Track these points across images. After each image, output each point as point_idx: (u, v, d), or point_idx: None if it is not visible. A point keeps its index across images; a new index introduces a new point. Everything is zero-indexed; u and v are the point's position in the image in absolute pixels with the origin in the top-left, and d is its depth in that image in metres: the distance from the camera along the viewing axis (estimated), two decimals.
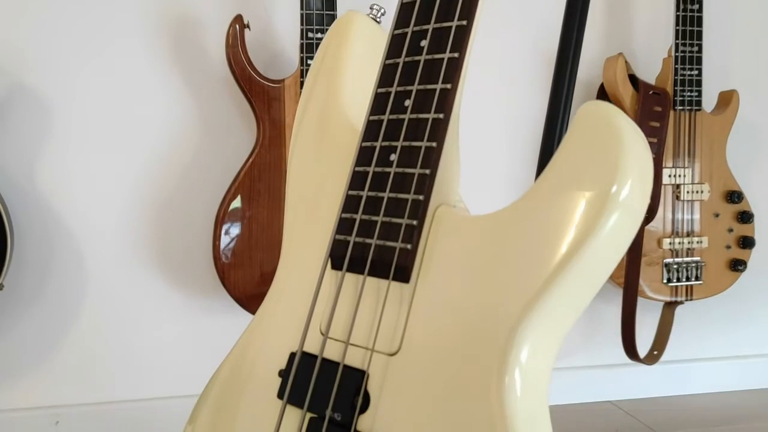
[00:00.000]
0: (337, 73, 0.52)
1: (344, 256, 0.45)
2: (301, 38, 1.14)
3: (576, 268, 0.37)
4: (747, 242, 1.36)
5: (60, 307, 1.20)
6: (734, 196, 1.35)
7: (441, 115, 0.43)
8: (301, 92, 0.56)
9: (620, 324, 1.32)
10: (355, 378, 0.42)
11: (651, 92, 1.30)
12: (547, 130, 0.60)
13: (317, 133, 0.52)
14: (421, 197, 0.42)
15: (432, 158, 0.43)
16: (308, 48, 1.14)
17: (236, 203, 1.17)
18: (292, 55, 1.25)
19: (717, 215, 1.36)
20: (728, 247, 1.36)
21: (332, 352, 0.44)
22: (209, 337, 1.25)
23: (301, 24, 1.13)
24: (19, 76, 1.16)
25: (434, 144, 0.43)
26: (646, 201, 0.41)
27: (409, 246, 0.42)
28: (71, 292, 1.21)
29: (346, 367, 0.43)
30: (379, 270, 0.43)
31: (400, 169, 0.43)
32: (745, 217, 1.36)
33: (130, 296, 1.23)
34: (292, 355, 0.46)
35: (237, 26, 1.13)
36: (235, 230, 1.17)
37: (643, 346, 1.35)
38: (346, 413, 0.41)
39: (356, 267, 0.44)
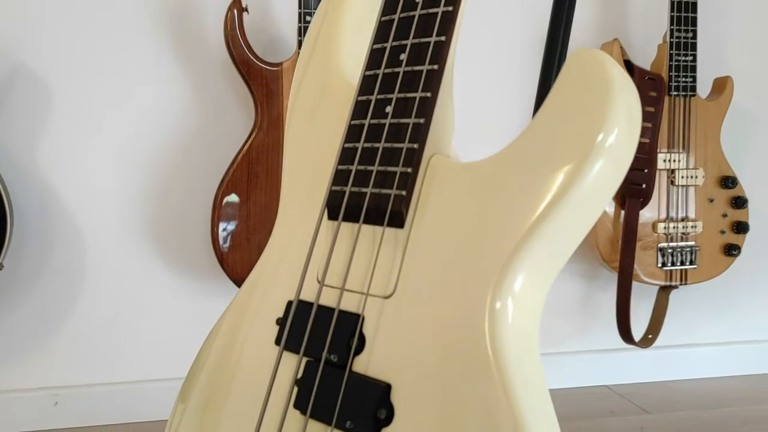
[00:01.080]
0: (335, 35, 0.53)
1: (340, 206, 0.46)
2: (299, 21, 1.15)
3: (562, 212, 0.38)
4: (741, 227, 1.37)
5: (59, 288, 1.21)
6: (728, 182, 1.36)
7: (435, 66, 0.44)
8: None
9: (615, 308, 1.33)
10: (351, 321, 0.43)
11: (646, 77, 1.31)
12: (538, 104, 0.61)
13: (316, 93, 0.53)
14: (415, 146, 0.43)
15: (427, 108, 0.44)
16: (306, 31, 1.15)
17: (234, 186, 1.18)
18: (290, 39, 1.26)
19: (711, 200, 1.37)
20: (722, 232, 1.38)
21: (328, 299, 0.45)
22: (207, 319, 1.25)
23: (299, 7, 1.14)
24: (20, 58, 1.17)
25: (429, 94, 0.44)
26: (633, 149, 0.42)
27: (403, 192, 0.43)
28: (70, 274, 1.21)
29: (341, 311, 0.44)
30: (375, 217, 0.44)
31: (395, 120, 0.45)
32: (740, 202, 1.37)
33: (129, 278, 1.23)
34: (290, 304, 0.47)
35: (235, 10, 1.14)
36: (233, 213, 1.17)
37: (637, 331, 1.36)
38: (341, 355, 0.42)
39: (352, 216, 0.45)
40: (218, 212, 1.18)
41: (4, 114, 1.17)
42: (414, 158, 0.43)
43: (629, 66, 1.32)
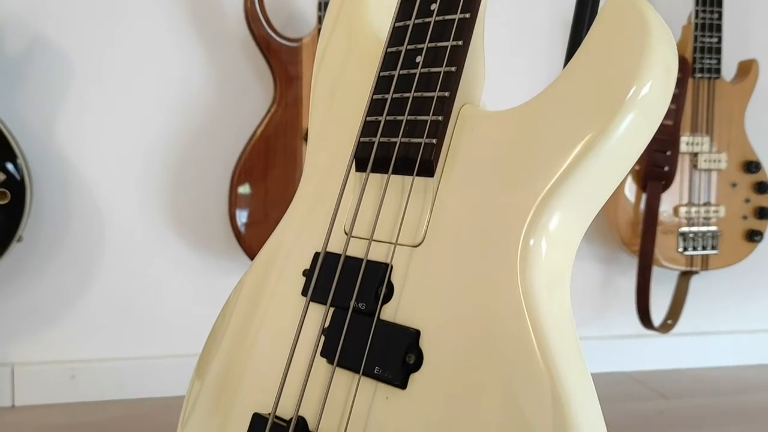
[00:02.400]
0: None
1: (368, 157, 0.45)
2: None
3: (596, 157, 0.37)
4: (764, 213, 1.35)
5: (77, 262, 1.22)
6: (752, 167, 1.35)
7: (467, 15, 0.43)
8: None
9: (635, 293, 1.32)
10: (379, 270, 0.43)
11: None
12: (570, 54, 0.60)
13: (342, 52, 0.53)
14: (446, 94, 0.42)
15: (458, 56, 0.43)
16: (326, 6, 1.14)
17: (252, 163, 1.18)
18: (309, 14, 1.25)
19: (734, 185, 1.35)
20: (745, 217, 1.36)
21: (356, 250, 0.45)
22: (224, 296, 1.25)
23: None
24: (41, 32, 1.17)
25: (460, 42, 0.43)
26: (666, 104, 0.41)
27: (434, 141, 0.42)
28: (88, 248, 1.22)
29: (369, 261, 0.43)
30: (404, 167, 0.44)
31: (425, 69, 0.44)
32: (763, 187, 1.35)
33: (146, 253, 1.24)
34: (317, 256, 0.46)
35: None
36: (250, 189, 1.17)
37: (657, 317, 1.35)
38: (369, 303, 0.42)
39: (380, 167, 0.45)
40: (235, 188, 1.18)
41: (24, 87, 1.18)
42: (445, 107, 0.42)
43: None
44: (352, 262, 0.44)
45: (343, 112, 0.50)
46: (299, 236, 0.49)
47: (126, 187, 1.22)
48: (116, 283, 1.23)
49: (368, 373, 0.41)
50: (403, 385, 0.40)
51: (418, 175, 0.43)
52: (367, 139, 0.46)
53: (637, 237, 1.31)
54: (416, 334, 0.40)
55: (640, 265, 1.30)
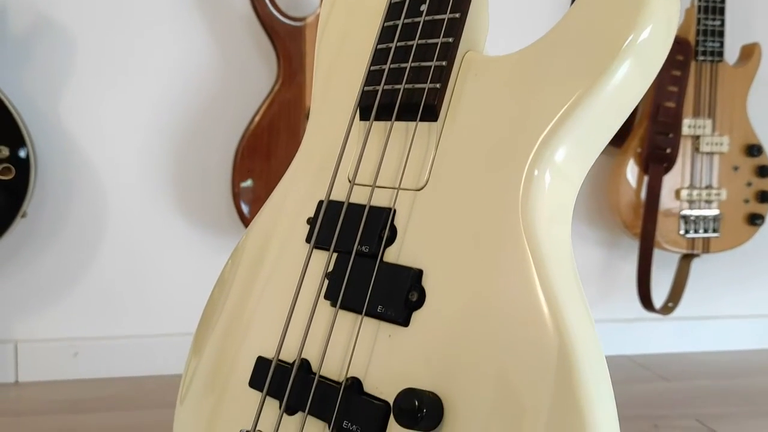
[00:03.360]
0: None
1: (372, 106, 0.45)
2: None
3: (594, 100, 0.38)
4: (765, 196, 1.35)
5: (80, 239, 1.22)
6: (754, 150, 1.35)
7: None
8: None
9: (636, 276, 1.32)
10: (382, 214, 0.43)
11: (674, 41, 1.29)
12: None
13: (347, 12, 0.53)
14: (450, 39, 0.43)
15: (462, 3, 0.43)
16: None
17: (255, 140, 1.18)
18: None
19: (736, 168, 1.35)
20: (746, 201, 1.36)
21: (359, 197, 0.45)
22: None
23: None
24: (46, 10, 1.17)
25: None
26: (665, 52, 0.41)
27: (438, 85, 0.43)
28: (92, 225, 1.22)
29: (372, 207, 0.44)
30: (407, 113, 0.44)
31: (429, 17, 0.44)
32: (765, 171, 1.35)
33: (149, 231, 1.24)
34: (321, 204, 0.47)
35: None
36: (253, 167, 1.18)
37: (657, 300, 1.35)
38: (373, 245, 0.42)
39: (384, 114, 0.45)
40: (238, 167, 1.18)
41: (30, 66, 1.18)
42: (449, 52, 0.43)
43: None
44: (356, 209, 0.44)
45: (346, 71, 0.50)
46: (303, 187, 0.50)
47: (129, 165, 1.22)
48: (119, 261, 1.24)
49: (371, 313, 0.41)
50: (405, 322, 0.40)
51: (421, 120, 0.43)
52: (371, 88, 0.46)
53: (639, 220, 1.31)
54: (419, 273, 0.40)
55: (641, 247, 1.30)
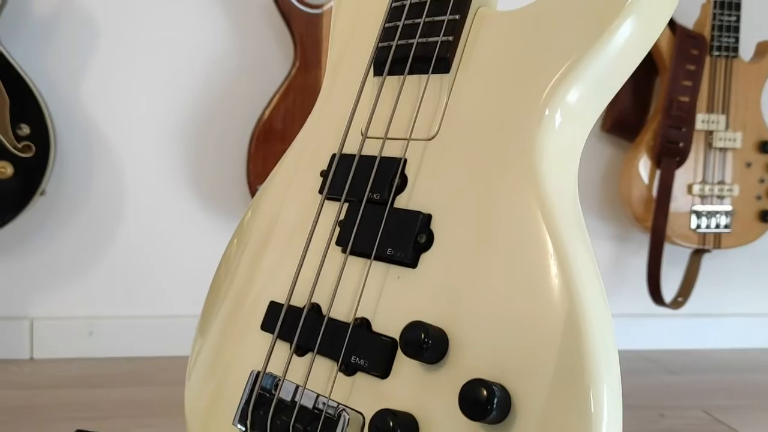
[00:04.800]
0: None
1: (386, 60, 0.47)
2: None
3: (606, 45, 0.39)
4: None
5: (97, 220, 1.24)
6: (767, 147, 1.35)
7: None
8: None
9: (646, 270, 1.32)
10: (393, 164, 0.44)
11: (688, 35, 1.30)
12: None
13: None
14: None
15: None
16: None
17: (270, 126, 1.20)
18: None
19: (749, 165, 1.35)
20: (759, 197, 1.36)
21: (372, 149, 0.46)
22: None
23: None
24: None
25: None
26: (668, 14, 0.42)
27: (450, 38, 0.44)
28: (108, 206, 1.24)
29: (384, 158, 0.45)
30: (420, 66, 0.45)
31: None
32: None
33: (164, 214, 1.26)
34: (334, 157, 0.48)
35: None
36: (268, 151, 1.19)
37: (667, 296, 1.35)
38: (383, 193, 0.44)
39: (398, 69, 0.47)
40: (253, 151, 1.20)
41: (52, 46, 1.21)
42: (462, 6, 0.44)
43: (671, 23, 1.31)
44: (367, 160, 0.46)
45: (362, 33, 0.52)
46: (317, 143, 0.51)
47: (147, 147, 1.24)
48: (134, 241, 1.26)
49: (380, 256, 0.42)
50: (414, 264, 0.41)
51: (433, 72, 0.44)
52: (385, 44, 0.47)
53: (650, 213, 1.31)
54: (428, 217, 0.42)
55: (652, 240, 1.30)
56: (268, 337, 0.46)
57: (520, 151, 0.39)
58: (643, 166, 1.33)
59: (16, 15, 1.18)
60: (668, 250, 1.35)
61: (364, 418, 0.39)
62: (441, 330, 0.38)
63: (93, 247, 1.25)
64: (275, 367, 0.45)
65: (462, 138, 0.42)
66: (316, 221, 0.46)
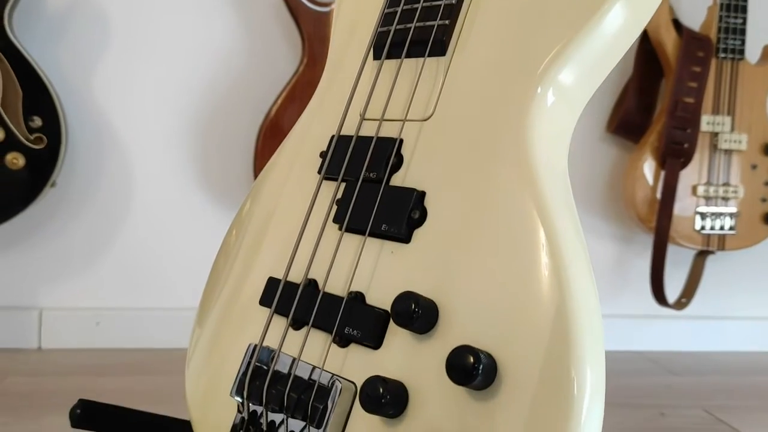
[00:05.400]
0: None
1: (385, 44, 0.48)
2: None
3: (602, 23, 0.40)
4: None
5: (106, 212, 1.26)
6: None
7: None
8: None
9: (649, 271, 1.33)
10: (389, 144, 0.46)
11: (694, 37, 1.31)
12: None
13: None
14: None
15: None
16: None
17: (277, 121, 1.21)
18: None
19: (754, 167, 1.36)
20: (764, 200, 1.36)
21: (369, 131, 0.48)
22: None
23: None
24: None
25: None
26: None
27: (447, 22, 0.45)
28: (118, 199, 1.26)
29: (380, 138, 0.46)
30: (417, 49, 0.47)
31: None
32: None
33: (173, 207, 1.28)
34: (333, 138, 0.49)
35: None
36: (275, 147, 1.20)
37: (671, 297, 1.35)
38: (380, 171, 0.45)
39: (395, 52, 0.48)
40: (260, 146, 1.22)
41: (65, 40, 1.23)
42: None
43: (677, 25, 1.32)
44: (365, 141, 0.47)
45: (363, 23, 0.53)
46: (318, 129, 0.52)
47: (156, 141, 1.26)
48: (143, 234, 1.28)
49: (375, 232, 0.44)
50: (407, 239, 0.42)
51: (430, 55, 0.46)
52: (384, 29, 0.49)
53: (654, 214, 1.32)
54: (422, 193, 0.43)
55: (655, 240, 1.31)
56: (265, 315, 0.47)
57: (511, 128, 0.40)
58: (648, 167, 1.33)
59: (31, 10, 1.20)
60: (672, 251, 1.36)
61: (356, 387, 0.41)
62: (431, 301, 0.39)
63: (102, 239, 1.27)
64: (272, 342, 0.46)
65: (456, 117, 0.43)
66: (314, 200, 0.48)
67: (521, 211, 0.38)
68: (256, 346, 0.46)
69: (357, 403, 0.40)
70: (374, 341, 0.41)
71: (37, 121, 1.14)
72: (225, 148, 1.29)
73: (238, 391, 0.45)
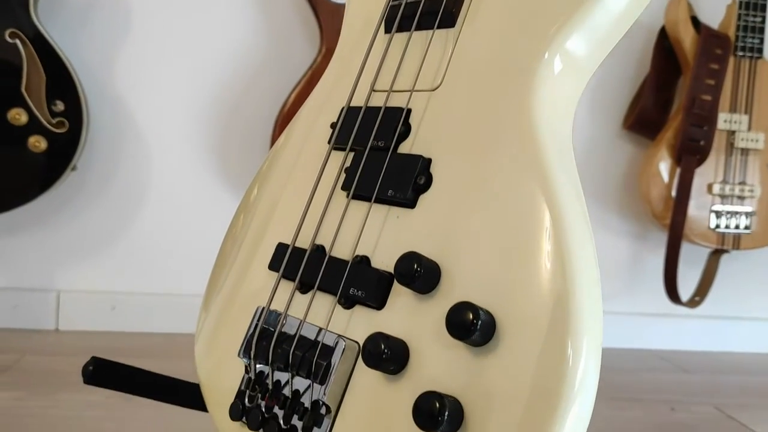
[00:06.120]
0: None
1: (396, 17, 0.49)
2: None
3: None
4: None
5: (125, 198, 1.28)
6: None
7: None
8: None
9: (663, 267, 1.32)
10: (397, 113, 0.46)
11: (713, 35, 1.31)
12: None
13: None
14: None
15: None
16: None
17: (295, 109, 1.22)
18: None
19: None
20: None
21: (377, 101, 0.49)
22: None
23: None
24: None
25: None
26: None
27: None
28: (135, 186, 1.28)
29: (388, 108, 0.47)
30: (427, 21, 0.47)
31: None
32: None
33: (190, 195, 1.30)
34: (343, 109, 0.50)
35: None
36: None
37: (684, 296, 1.35)
38: (387, 140, 0.46)
39: (406, 24, 0.49)
40: (277, 135, 1.23)
41: (88, 29, 1.25)
42: None
43: (696, 22, 1.32)
44: (373, 111, 0.48)
45: (373, 7, 0.54)
46: (330, 101, 0.53)
47: (175, 129, 1.28)
48: (159, 221, 1.29)
49: (382, 198, 0.44)
50: (412, 204, 0.43)
51: (439, 27, 0.47)
52: (396, 2, 0.50)
53: (669, 211, 1.31)
54: (428, 160, 0.44)
55: (669, 237, 1.31)
56: (273, 281, 0.48)
57: (516, 93, 0.40)
58: (664, 163, 1.33)
59: None
60: (687, 250, 1.35)
61: (359, 346, 0.41)
62: (434, 262, 0.40)
63: (119, 224, 1.29)
64: (280, 306, 0.47)
65: (464, 86, 0.44)
66: (323, 169, 0.49)
67: (523, 177, 0.38)
68: (263, 309, 0.47)
69: (360, 361, 0.41)
70: (378, 302, 0.42)
71: (60, 106, 1.16)
72: (243, 138, 1.30)
73: (246, 352, 0.46)
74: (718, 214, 1.33)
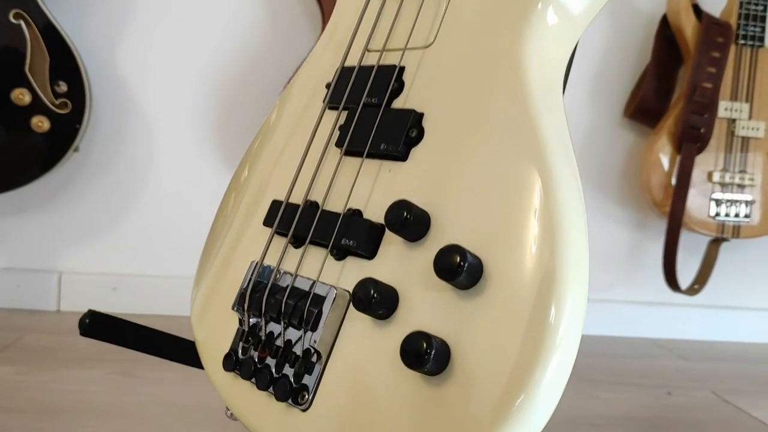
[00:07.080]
0: None
1: None
2: None
3: None
4: None
5: (126, 180, 1.29)
6: None
7: None
8: None
9: (662, 254, 1.32)
10: (390, 71, 0.47)
11: (714, 22, 1.31)
12: None
13: None
14: None
15: None
16: None
17: None
18: None
19: None
20: None
21: (371, 60, 0.49)
22: None
23: None
24: None
25: None
26: None
27: None
28: (137, 168, 1.29)
29: (381, 66, 0.48)
30: None
31: None
32: None
33: (191, 178, 1.30)
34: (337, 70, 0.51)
35: None
36: None
37: (684, 284, 1.35)
38: (380, 96, 0.46)
39: None
40: None
41: (91, 10, 1.26)
42: None
43: (697, 10, 1.32)
44: (367, 69, 0.49)
45: None
46: (324, 64, 0.54)
47: (177, 110, 1.29)
48: (161, 203, 1.30)
49: (374, 153, 0.45)
50: (404, 157, 0.44)
51: None
52: None
53: (669, 198, 1.31)
54: (420, 114, 0.44)
55: (669, 224, 1.31)
56: (267, 238, 0.49)
57: (509, 44, 0.41)
58: (664, 151, 1.33)
59: None
60: (686, 239, 1.35)
61: (350, 295, 0.42)
62: (424, 210, 0.40)
63: (121, 205, 1.30)
64: (274, 261, 0.47)
65: (457, 41, 0.45)
66: (317, 127, 0.49)
67: (513, 128, 0.39)
68: (257, 263, 0.48)
69: (351, 310, 0.41)
70: (369, 251, 0.42)
71: (63, 87, 1.16)
72: (245, 119, 1.31)
73: (239, 304, 0.47)
74: (718, 203, 1.34)
